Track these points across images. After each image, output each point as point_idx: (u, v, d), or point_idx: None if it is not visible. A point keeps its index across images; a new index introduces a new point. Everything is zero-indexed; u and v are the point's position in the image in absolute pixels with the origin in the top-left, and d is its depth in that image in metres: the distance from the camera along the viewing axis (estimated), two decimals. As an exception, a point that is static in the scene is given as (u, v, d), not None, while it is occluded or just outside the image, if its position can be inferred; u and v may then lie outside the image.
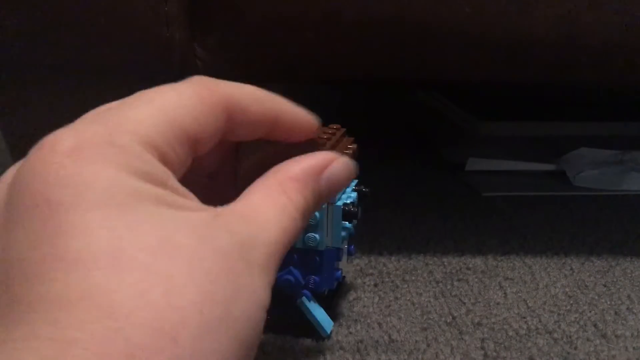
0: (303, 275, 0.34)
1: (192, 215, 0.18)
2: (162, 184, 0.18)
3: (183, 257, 0.17)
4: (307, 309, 0.34)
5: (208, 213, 0.18)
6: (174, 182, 0.18)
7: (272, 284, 0.20)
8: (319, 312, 0.34)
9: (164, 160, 0.19)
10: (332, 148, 0.33)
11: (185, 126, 0.19)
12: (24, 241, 0.16)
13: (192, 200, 0.19)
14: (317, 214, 0.32)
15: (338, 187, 0.23)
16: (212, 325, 0.16)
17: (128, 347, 0.15)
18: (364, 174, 0.37)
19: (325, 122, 0.36)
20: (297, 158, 0.23)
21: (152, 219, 0.17)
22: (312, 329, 0.34)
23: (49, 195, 0.17)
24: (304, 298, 0.34)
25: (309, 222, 0.32)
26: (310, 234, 0.33)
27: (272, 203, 0.20)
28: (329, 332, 0.34)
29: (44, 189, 0.17)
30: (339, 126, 0.36)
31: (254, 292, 0.19)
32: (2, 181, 0.18)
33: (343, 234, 0.34)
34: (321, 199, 0.22)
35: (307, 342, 0.34)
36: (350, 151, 0.34)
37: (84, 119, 0.19)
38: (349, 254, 0.38)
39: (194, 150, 0.20)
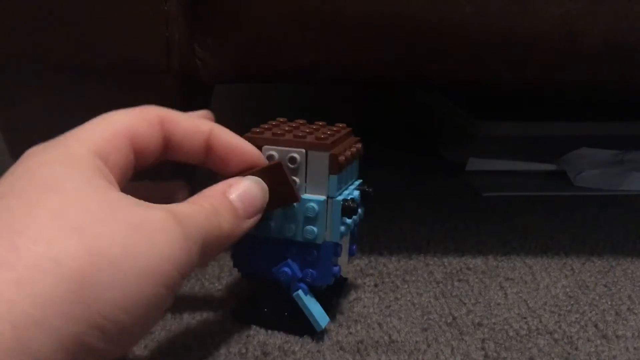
0: (301, 268, 0.34)
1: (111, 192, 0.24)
2: (99, 175, 0.24)
3: (93, 208, 0.22)
4: (303, 302, 0.34)
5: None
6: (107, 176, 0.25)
7: (193, 258, 0.25)
8: (314, 306, 0.34)
9: (106, 160, 0.25)
10: (334, 145, 0.33)
11: (127, 134, 0.26)
12: None
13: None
14: (315, 206, 0.32)
15: (250, 199, 0.29)
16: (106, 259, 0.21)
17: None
18: (364, 174, 0.37)
19: (325, 121, 0.36)
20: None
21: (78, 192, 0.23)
22: (312, 329, 0.34)
23: (12, 170, 0.24)
24: (300, 291, 0.34)
25: (307, 215, 0.33)
26: (309, 227, 0.33)
27: (190, 205, 0.27)
28: (323, 326, 0.34)
29: (12, 170, 0.24)
30: (344, 125, 0.36)
31: (164, 249, 0.23)
32: None
33: (342, 229, 0.34)
34: (236, 209, 0.29)
35: (307, 342, 0.34)
36: (355, 149, 0.34)
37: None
38: (351, 254, 0.38)
39: (139, 155, 0.27)
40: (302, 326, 0.34)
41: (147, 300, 0.22)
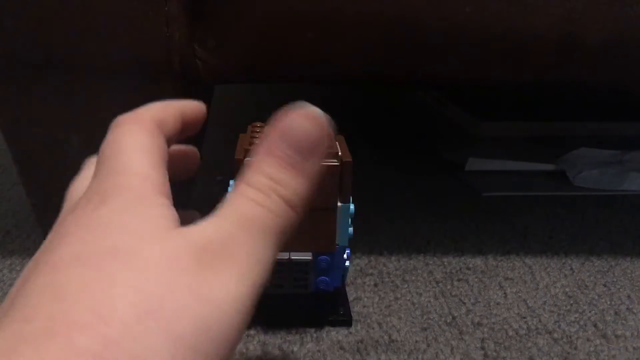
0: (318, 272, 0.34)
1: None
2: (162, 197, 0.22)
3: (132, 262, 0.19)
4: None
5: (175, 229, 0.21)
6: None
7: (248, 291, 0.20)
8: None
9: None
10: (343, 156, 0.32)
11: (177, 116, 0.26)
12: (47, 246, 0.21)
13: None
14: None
15: (301, 139, 0.21)
16: (141, 314, 0.18)
17: (67, 322, 0.18)
18: (365, 174, 0.37)
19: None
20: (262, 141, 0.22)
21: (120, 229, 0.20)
22: (311, 329, 0.34)
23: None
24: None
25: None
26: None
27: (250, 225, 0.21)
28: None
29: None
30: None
31: (204, 294, 0.19)
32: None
33: (350, 231, 0.34)
34: (288, 162, 0.21)
35: (307, 341, 0.34)
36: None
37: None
38: None
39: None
40: (307, 332, 0.35)
41: None
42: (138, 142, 0.23)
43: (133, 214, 0.21)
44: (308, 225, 0.31)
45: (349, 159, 0.31)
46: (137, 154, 0.23)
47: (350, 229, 0.34)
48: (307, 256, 0.32)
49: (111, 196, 0.22)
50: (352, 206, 0.33)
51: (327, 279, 0.34)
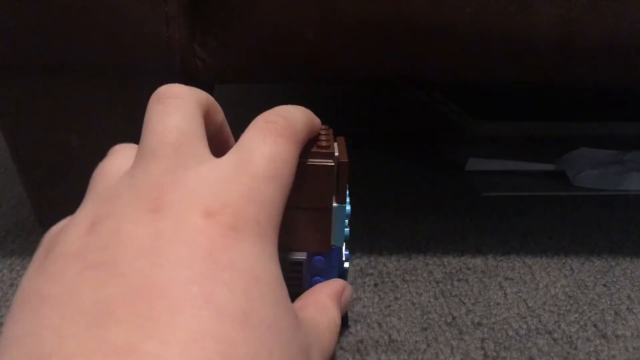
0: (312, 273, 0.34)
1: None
2: None
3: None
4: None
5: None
6: None
7: None
8: None
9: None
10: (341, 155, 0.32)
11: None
12: None
13: None
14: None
15: (347, 303, 0.33)
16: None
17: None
18: (364, 174, 0.37)
19: (326, 122, 0.36)
20: (326, 283, 0.33)
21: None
22: None
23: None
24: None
25: None
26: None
27: (323, 316, 0.29)
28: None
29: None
30: (327, 127, 0.35)
31: None
32: None
33: (346, 231, 0.34)
34: (339, 314, 0.31)
35: (307, 342, 0.34)
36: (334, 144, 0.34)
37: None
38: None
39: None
40: None
41: None
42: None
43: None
44: (303, 225, 0.31)
45: (345, 159, 0.31)
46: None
47: (347, 230, 0.34)
48: (302, 256, 0.33)
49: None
50: (348, 207, 0.33)
51: (321, 279, 0.34)
